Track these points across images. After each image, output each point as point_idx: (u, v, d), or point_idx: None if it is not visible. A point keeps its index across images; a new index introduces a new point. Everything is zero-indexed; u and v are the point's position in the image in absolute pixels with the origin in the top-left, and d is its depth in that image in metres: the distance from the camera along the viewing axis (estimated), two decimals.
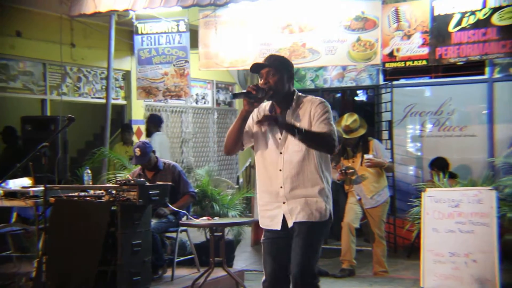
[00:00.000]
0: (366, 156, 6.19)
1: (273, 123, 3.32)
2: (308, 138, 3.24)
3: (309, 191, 3.32)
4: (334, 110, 9.94)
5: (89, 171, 5.77)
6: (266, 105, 3.47)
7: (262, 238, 3.48)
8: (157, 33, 7.74)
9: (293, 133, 3.24)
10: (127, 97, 9.03)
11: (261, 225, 3.49)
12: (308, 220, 3.30)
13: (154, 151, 5.91)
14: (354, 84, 8.82)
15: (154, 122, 8.31)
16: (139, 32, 7.78)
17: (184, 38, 7.66)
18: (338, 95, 10.16)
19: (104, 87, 8.43)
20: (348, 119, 6.34)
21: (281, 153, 3.34)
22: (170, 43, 7.71)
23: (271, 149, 3.38)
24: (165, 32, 7.73)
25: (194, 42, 7.72)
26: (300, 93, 3.43)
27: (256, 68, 3.40)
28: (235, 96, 3.38)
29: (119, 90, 8.97)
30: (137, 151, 5.78)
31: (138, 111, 9.06)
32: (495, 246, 5.34)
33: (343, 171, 6.25)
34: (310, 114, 3.31)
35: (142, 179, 5.60)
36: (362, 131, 6.33)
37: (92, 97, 8.62)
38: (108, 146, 7.60)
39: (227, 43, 7.40)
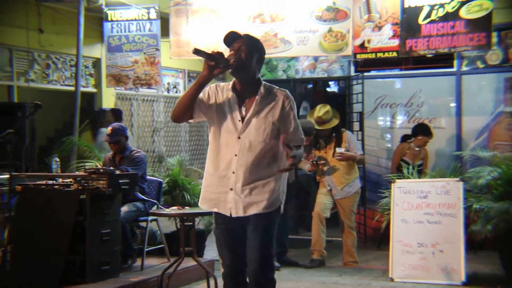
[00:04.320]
0: (337, 149, 6.20)
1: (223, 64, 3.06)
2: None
3: (264, 181, 3.18)
4: (305, 100, 10.11)
5: (58, 160, 5.69)
6: (226, 84, 3.29)
7: (215, 226, 3.35)
8: (127, 20, 7.70)
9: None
10: (97, 85, 8.88)
11: (200, 205, 3.36)
12: (262, 211, 3.17)
13: (126, 137, 5.94)
14: (325, 75, 8.83)
15: (115, 116, 8.28)
16: (109, 19, 7.72)
17: (154, 25, 7.62)
18: (310, 85, 10.19)
19: (73, 74, 8.25)
20: (321, 110, 6.34)
21: (239, 137, 3.16)
22: (141, 30, 7.66)
23: (227, 131, 3.19)
24: (135, 20, 7.68)
25: (165, 31, 7.64)
26: (263, 82, 3.29)
27: (231, 37, 3.19)
28: (196, 52, 3.06)
29: (89, 78, 8.82)
30: (109, 130, 5.85)
31: (109, 99, 8.91)
32: (461, 236, 5.44)
33: (314, 162, 6.25)
34: (283, 108, 3.18)
35: (111, 165, 5.60)
36: (334, 122, 6.34)
37: (61, 85, 8.44)
38: (77, 134, 7.45)
39: (199, 31, 7.39)
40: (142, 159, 5.88)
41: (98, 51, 8.77)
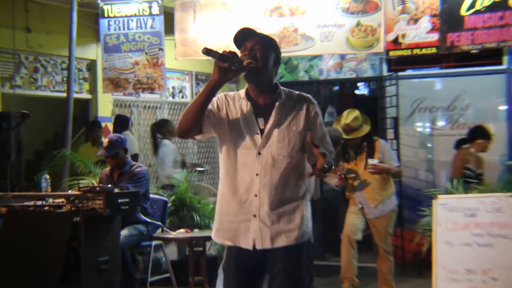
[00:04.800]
0: (370, 161, 6.14)
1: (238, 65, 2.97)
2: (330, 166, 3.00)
3: (292, 204, 3.08)
4: (331, 105, 10.09)
5: (48, 177, 5.69)
6: (237, 93, 3.21)
7: (225, 260, 3.20)
8: (126, 16, 7.70)
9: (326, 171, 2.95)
10: (92, 90, 8.94)
11: (214, 238, 3.21)
12: (293, 243, 3.06)
13: (126, 150, 5.96)
14: (354, 76, 8.83)
15: (120, 123, 8.32)
16: (106, 15, 7.72)
17: (157, 22, 7.63)
18: (336, 88, 10.17)
19: (65, 78, 8.33)
20: (349, 117, 6.29)
21: (259, 153, 3.06)
22: (142, 27, 7.68)
23: (245, 147, 3.09)
24: (135, 15, 7.69)
25: (169, 27, 7.67)
26: (283, 88, 3.22)
27: (243, 35, 3.11)
28: (207, 52, 2.96)
29: (83, 83, 8.89)
30: (105, 142, 5.91)
31: (106, 107, 8.96)
32: None
33: (343, 175, 6.18)
34: (307, 114, 3.11)
35: (108, 183, 5.61)
36: (365, 130, 6.28)
37: (51, 91, 8.52)
38: (70, 147, 7.54)
39: (208, 28, 7.37)
40: (144, 175, 5.89)
41: (93, 52, 8.84)
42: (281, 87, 3.19)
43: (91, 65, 8.98)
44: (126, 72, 7.73)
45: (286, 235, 3.05)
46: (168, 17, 7.65)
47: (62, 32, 7.88)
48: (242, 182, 3.09)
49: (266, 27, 7.16)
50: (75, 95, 7.91)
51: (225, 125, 3.14)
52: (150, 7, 7.65)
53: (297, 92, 3.22)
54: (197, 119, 3.04)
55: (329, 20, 7.02)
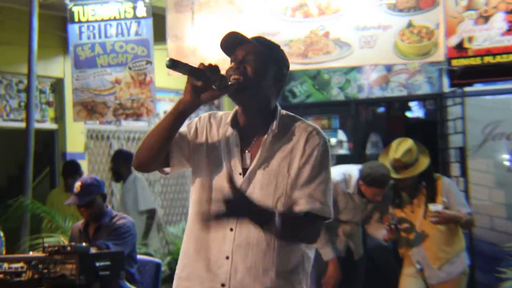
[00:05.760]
0: (432, 207, 6.06)
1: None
2: (284, 233, 2.89)
3: (279, 275, 2.97)
4: (375, 133, 10.05)
5: (1, 234, 5.67)
6: (226, 114, 3.18)
7: None
8: (103, 20, 7.80)
9: (263, 221, 2.86)
10: (59, 118, 8.94)
11: None
12: None
13: (104, 196, 5.95)
14: (404, 93, 8.88)
15: (124, 160, 8.33)
16: (76, 20, 7.81)
17: (144, 27, 7.72)
18: (381, 109, 10.16)
19: (23, 103, 8.35)
20: (399, 149, 6.24)
21: (231, 229, 2.98)
22: (124, 34, 7.72)
23: (221, 190, 2.96)
24: (115, 19, 7.76)
25: (160, 33, 7.71)
26: (285, 111, 3.15)
27: (231, 41, 3.06)
28: (173, 64, 2.84)
29: (47, 108, 8.90)
30: (77, 186, 5.84)
31: (76, 139, 8.95)
32: None
33: (393, 226, 6.14)
34: (304, 151, 3.01)
35: (82, 240, 5.56)
36: (422, 166, 6.20)
37: (4, 120, 8.53)
38: (30, 194, 7.47)
39: (210, 33, 7.33)
40: (129, 229, 5.85)
41: (59, 67, 8.89)
42: (285, 113, 3.14)
43: (57, 85, 9.00)
44: (103, 93, 7.74)
45: None
46: (158, 20, 7.67)
47: (19, 42, 7.92)
48: (213, 238, 3.01)
49: (287, 31, 7.26)
50: (37, 125, 7.88)
51: (202, 156, 3.11)
52: (134, 8, 7.69)
53: (301, 120, 3.13)
54: (159, 147, 3.01)
55: (371, 20, 7.05)
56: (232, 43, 3.05)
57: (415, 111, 10.38)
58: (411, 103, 10.09)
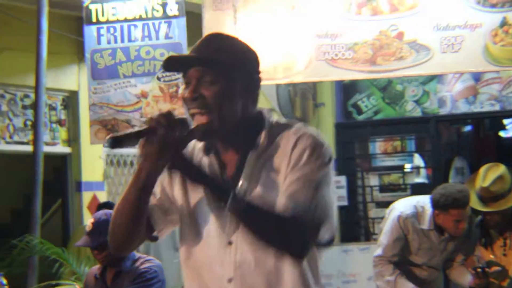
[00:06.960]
0: None
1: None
2: (253, 223, 2.98)
3: None
4: (460, 157, 10.10)
5: (5, 281, 5.83)
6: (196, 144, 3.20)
7: None
8: (126, 20, 7.76)
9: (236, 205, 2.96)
10: (73, 140, 9.10)
11: None
12: None
13: None
14: (497, 108, 8.88)
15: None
16: (93, 20, 7.80)
17: (176, 28, 7.69)
18: (468, 128, 10.18)
19: (29, 122, 8.53)
20: (489, 176, 6.29)
21: (230, 243, 3.09)
22: (151, 37, 7.75)
23: (208, 234, 3.10)
24: (141, 19, 7.75)
25: (195, 36, 7.65)
26: (274, 120, 3.17)
27: (172, 65, 3.13)
28: (114, 143, 2.89)
29: (58, 128, 9.05)
30: (89, 224, 5.89)
31: (94, 166, 9.08)
32: None
33: (480, 270, 6.21)
34: (289, 161, 3.07)
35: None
36: None
37: (7, 142, 8.70)
38: (39, 232, 7.59)
39: (256, 34, 7.31)
40: (156, 274, 5.86)
41: (73, 78, 9.03)
42: (267, 118, 3.14)
43: (71, 100, 9.16)
44: (127, 109, 7.82)
45: None
46: (193, 20, 7.65)
47: (23, 48, 8.10)
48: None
49: (351, 32, 7.20)
50: (46, 149, 8.03)
51: (184, 204, 3.20)
52: (164, 5, 7.66)
53: (292, 127, 3.14)
54: (133, 226, 3.09)
55: (456, 18, 7.01)
56: (174, 67, 3.19)
57: (510, 130, 10.42)
58: (505, 120, 10.14)
